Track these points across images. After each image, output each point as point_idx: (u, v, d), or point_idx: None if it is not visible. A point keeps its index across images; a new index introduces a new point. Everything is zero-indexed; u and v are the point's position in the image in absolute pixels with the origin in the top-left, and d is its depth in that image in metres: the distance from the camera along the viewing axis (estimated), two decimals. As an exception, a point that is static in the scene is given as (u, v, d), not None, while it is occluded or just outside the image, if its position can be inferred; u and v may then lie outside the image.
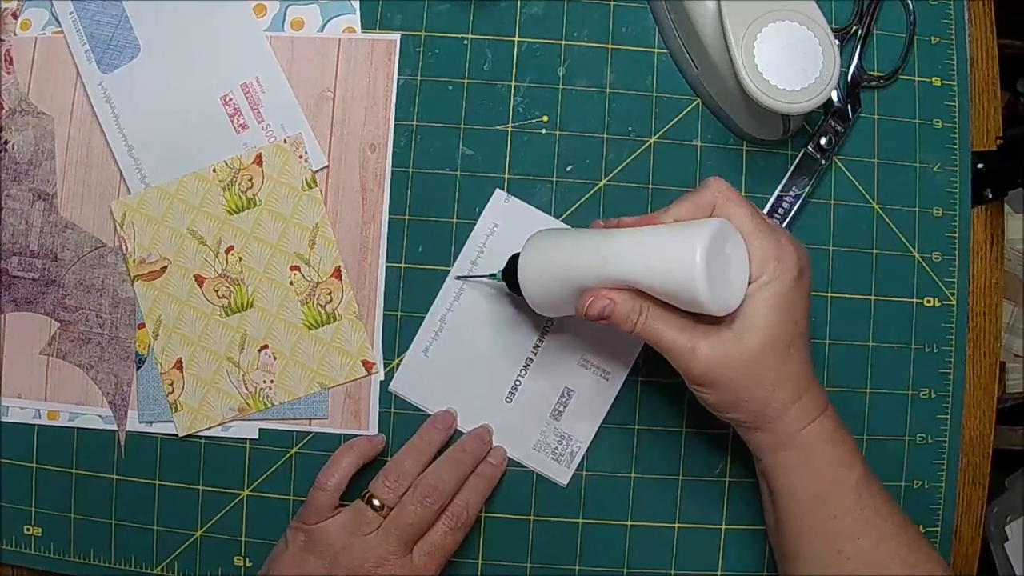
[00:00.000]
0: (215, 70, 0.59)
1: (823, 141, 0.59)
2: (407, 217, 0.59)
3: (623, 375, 0.58)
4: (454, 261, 0.59)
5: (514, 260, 0.52)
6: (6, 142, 0.59)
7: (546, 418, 0.58)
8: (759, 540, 0.58)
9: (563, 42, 0.60)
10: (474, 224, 0.59)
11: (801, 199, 0.59)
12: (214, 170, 0.59)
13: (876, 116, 0.60)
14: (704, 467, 0.59)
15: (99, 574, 0.58)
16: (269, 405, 0.58)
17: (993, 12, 0.61)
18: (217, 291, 0.58)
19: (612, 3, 0.60)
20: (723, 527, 0.58)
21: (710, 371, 0.46)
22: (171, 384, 0.58)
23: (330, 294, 0.58)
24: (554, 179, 0.59)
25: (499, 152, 0.59)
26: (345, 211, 0.59)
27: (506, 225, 0.59)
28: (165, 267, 0.58)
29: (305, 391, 0.58)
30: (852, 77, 0.59)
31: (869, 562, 0.47)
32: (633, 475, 0.58)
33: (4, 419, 0.59)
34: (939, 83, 0.60)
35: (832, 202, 0.59)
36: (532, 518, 0.58)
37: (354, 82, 0.59)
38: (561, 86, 0.59)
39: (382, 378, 0.58)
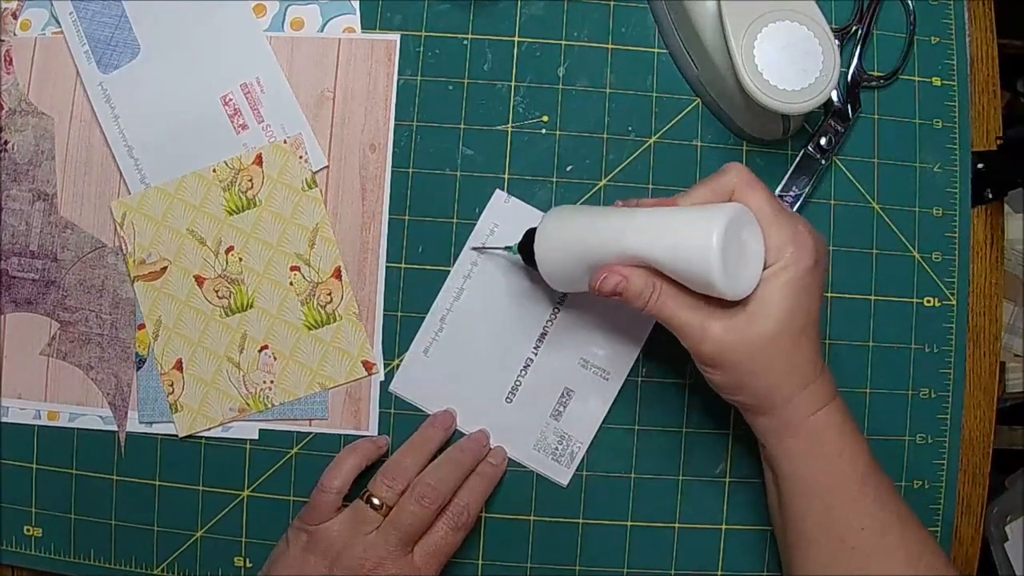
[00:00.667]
0: (215, 70, 0.59)
1: (823, 141, 0.59)
2: (407, 217, 0.59)
3: (623, 375, 0.58)
4: (454, 261, 0.59)
5: (530, 233, 0.53)
6: (6, 142, 0.59)
7: (546, 418, 0.58)
8: (759, 540, 0.58)
9: (563, 42, 0.60)
10: (474, 224, 0.59)
11: (801, 199, 0.59)
12: (214, 170, 0.59)
13: (876, 116, 0.60)
14: (704, 467, 0.59)
15: (99, 574, 0.58)
16: (269, 405, 0.58)
17: (993, 12, 0.61)
18: (217, 291, 0.58)
19: (612, 3, 0.60)
20: (723, 527, 0.58)
21: (720, 352, 0.46)
22: (171, 384, 0.58)
23: (330, 294, 0.58)
24: (554, 179, 0.59)
25: (499, 152, 0.59)
26: (345, 211, 0.59)
27: (506, 225, 0.58)
28: (165, 267, 0.58)
29: (305, 391, 0.58)
30: (852, 77, 0.59)
31: (872, 552, 0.47)
32: (633, 475, 0.58)
33: (4, 419, 0.59)
34: (939, 83, 0.60)
35: (832, 202, 0.59)
36: (532, 518, 0.58)
37: (354, 82, 0.59)
38: (561, 86, 0.59)
39: (382, 378, 0.58)
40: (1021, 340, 0.94)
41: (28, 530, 0.59)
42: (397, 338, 0.59)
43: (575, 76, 0.59)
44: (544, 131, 0.59)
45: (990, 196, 0.60)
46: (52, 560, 0.59)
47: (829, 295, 0.59)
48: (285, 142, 0.59)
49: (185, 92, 0.59)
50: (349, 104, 0.59)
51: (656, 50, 0.60)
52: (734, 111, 0.58)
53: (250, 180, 0.59)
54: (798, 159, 0.59)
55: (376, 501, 0.52)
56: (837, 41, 0.54)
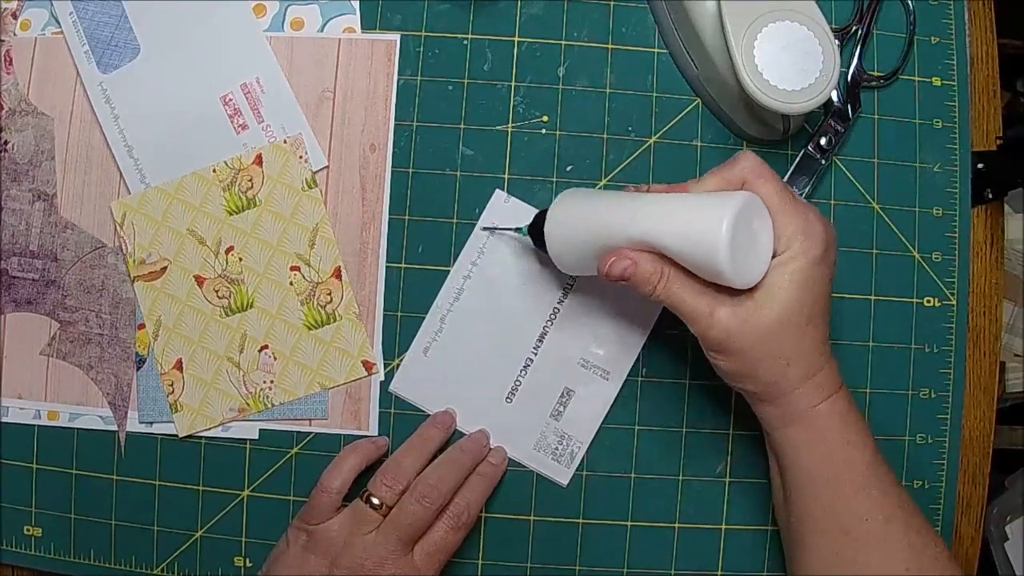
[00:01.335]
0: (215, 70, 0.59)
1: (823, 141, 0.59)
2: (407, 217, 0.59)
3: (623, 375, 0.58)
4: (454, 261, 0.59)
5: (541, 216, 0.53)
6: (6, 142, 0.59)
7: (546, 418, 0.58)
8: (759, 540, 0.58)
9: (563, 42, 0.60)
10: (474, 224, 0.59)
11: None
12: (214, 170, 0.59)
13: (876, 116, 0.60)
14: (704, 467, 0.59)
15: (99, 574, 0.58)
16: (269, 405, 0.58)
17: (993, 12, 0.61)
18: (217, 291, 0.58)
19: (612, 3, 0.60)
20: (723, 527, 0.58)
21: (727, 339, 0.47)
22: (171, 384, 0.58)
23: (330, 294, 0.58)
24: (554, 179, 0.59)
25: (499, 152, 0.59)
26: (345, 211, 0.59)
27: (506, 225, 0.58)
28: (165, 267, 0.58)
29: (305, 391, 0.58)
30: (852, 77, 0.59)
31: (875, 543, 0.47)
32: (633, 475, 0.58)
33: (4, 419, 0.59)
34: (939, 83, 0.60)
35: (832, 202, 0.59)
36: (532, 518, 0.58)
37: (354, 82, 0.59)
38: (561, 86, 0.59)
39: (382, 378, 0.58)
40: (1021, 340, 0.94)
41: (28, 530, 0.59)
42: (397, 338, 0.59)
43: (575, 76, 0.59)
44: (544, 131, 0.59)
45: (990, 196, 0.60)
46: (52, 560, 0.59)
47: (829, 295, 0.59)
48: (285, 142, 0.59)
49: (185, 92, 0.59)
50: (349, 104, 0.59)
51: (656, 50, 0.60)
52: (734, 111, 0.58)
53: (250, 180, 0.59)
54: (798, 159, 0.59)
55: (376, 501, 0.52)
56: (837, 41, 0.54)
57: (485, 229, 0.58)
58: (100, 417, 0.58)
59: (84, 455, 0.58)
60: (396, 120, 0.59)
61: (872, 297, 0.59)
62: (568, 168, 0.59)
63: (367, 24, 0.60)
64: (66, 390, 0.59)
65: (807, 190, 0.58)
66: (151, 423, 0.58)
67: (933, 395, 0.59)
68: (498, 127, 0.59)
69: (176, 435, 0.58)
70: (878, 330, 0.59)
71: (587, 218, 0.50)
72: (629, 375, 0.58)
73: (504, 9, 0.60)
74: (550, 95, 0.59)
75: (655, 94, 0.60)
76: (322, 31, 0.59)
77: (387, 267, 0.59)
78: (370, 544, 0.52)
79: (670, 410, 0.59)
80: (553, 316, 0.58)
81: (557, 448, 0.58)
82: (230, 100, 0.59)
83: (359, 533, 0.52)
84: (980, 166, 0.60)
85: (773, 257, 0.47)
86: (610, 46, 0.60)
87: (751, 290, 0.46)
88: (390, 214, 0.59)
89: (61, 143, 0.59)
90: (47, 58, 0.59)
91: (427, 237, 0.59)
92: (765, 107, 0.51)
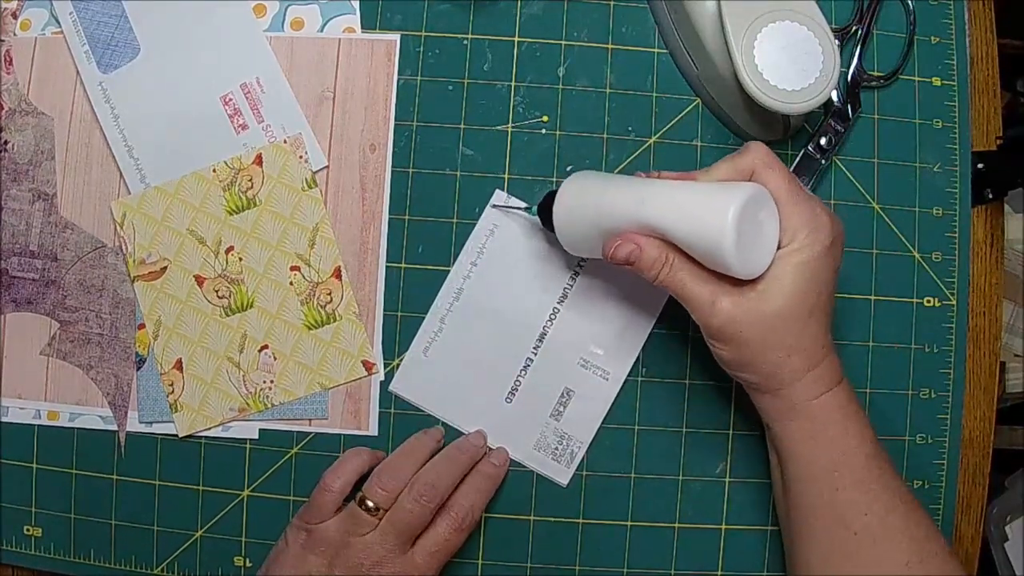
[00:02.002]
0: (215, 70, 0.59)
1: (823, 141, 0.59)
2: (407, 217, 0.59)
3: (623, 375, 0.58)
4: (454, 261, 0.59)
5: (550, 196, 0.53)
6: (6, 142, 0.59)
7: (546, 418, 0.58)
8: (759, 540, 0.58)
9: (563, 42, 0.60)
10: (474, 224, 0.59)
11: (801, 199, 0.58)
12: (214, 170, 0.59)
13: (876, 116, 0.60)
14: (704, 467, 0.59)
15: (99, 574, 0.58)
16: (269, 405, 0.58)
17: (993, 12, 0.61)
18: (217, 291, 0.58)
19: (612, 3, 0.60)
20: (723, 527, 0.58)
21: (728, 327, 0.47)
22: (171, 384, 0.58)
23: (330, 294, 0.58)
24: (554, 179, 0.59)
25: (499, 152, 0.59)
26: (345, 211, 0.59)
27: (506, 226, 0.59)
28: (165, 267, 0.58)
29: (305, 391, 0.58)
30: (852, 77, 0.59)
31: (875, 536, 0.47)
32: (633, 475, 0.58)
33: (4, 419, 0.59)
34: (939, 83, 0.60)
35: (832, 202, 0.59)
36: (532, 518, 0.58)
37: (354, 82, 0.59)
38: (561, 86, 0.59)
39: (382, 378, 0.58)
40: (1021, 340, 0.94)
41: (28, 530, 0.59)
42: (397, 338, 0.59)
43: (575, 76, 0.59)
44: (544, 131, 0.59)
45: (990, 196, 0.60)
46: (52, 560, 0.59)
47: (829, 295, 0.59)
48: (285, 142, 0.59)
49: (185, 92, 0.59)
50: (349, 104, 0.59)
51: (656, 50, 0.60)
52: (734, 111, 0.58)
53: (250, 180, 0.59)
54: (798, 159, 0.59)
55: (370, 504, 0.52)
56: (837, 41, 0.54)
57: (495, 207, 0.58)
58: (100, 417, 0.58)
59: (84, 455, 0.58)
60: (396, 120, 0.59)
61: (872, 297, 0.59)
62: (568, 168, 0.59)
63: (367, 24, 0.60)
64: (66, 390, 0.59)
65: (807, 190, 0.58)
66: (151, 423, 0.58)
67: (933, 395, 0.59)
68: (498, 127, 0.59)
69: (176, 435, 0.58)
70: (878, 330, 0.59)
71: (595, 200, 0.50)
72: (629, 375, 0.58)
73: (504, 9, 0.60)
74: (550, 95, 0.59)
75: (655, 94, 0.60)
76: (322, 31, 0.59)
77: (387, 267, 0.59)
78: (368, 543, 0.52)
79: (670, 410, 0.59)
80: (553, 316, 0.58)
81: (557, 448, 0.58)
82: (230, 100, 0.59)
83: (356, 534, 0.52)
84: (980, 166, 0.60)
85: (778, 248, 0.47)
86: (610, 46, 0.60)
87: (755, 280, 0.46)
88: (390, 214, 0.59)
89: (61, 143, 0.59)
90: (47, 58, 0.59)
91: (427, 237, 0.59)
92: (765, 107, 0.51)
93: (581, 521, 0.58)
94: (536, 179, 0.59)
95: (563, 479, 0.58)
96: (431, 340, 0.58)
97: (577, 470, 0.58)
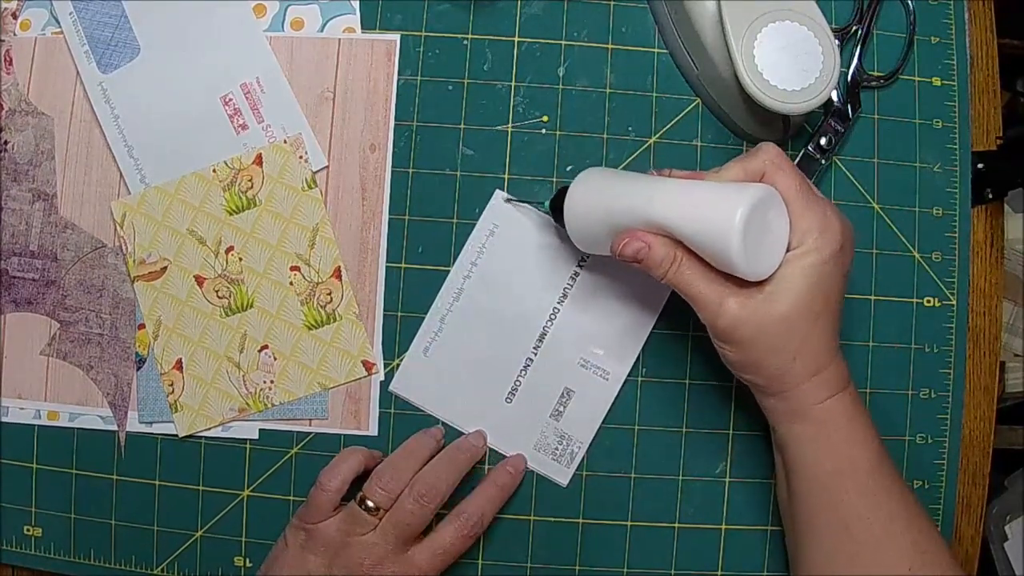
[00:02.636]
0: (215, 70, 0.59)
1: (823, 141, 0.59)
2: (407, 217, 0.59)
3: (623, 375, 0.58)
4: (454, 261, 0.59)
5: (562, 192, 0.53)
6: (6, 142, 0.59)
7: (546, 418, 0.58)
8: (759, 540, 0.58)
9: (563, 42, 0.60)
10: (474, 224, 0.59)
11: (801, 199, 0.58)
12: (214, 170, 0.59)
13: (876, 116, 0.60)
14: (704, 467, 0.59)
15: (99, 574, 0.58)
16: (269, 405, 0.58)
17: (993, 12, 0.61)
18: (217, 291, 0.58)
19: (612, 3, 0.60)
20: (723, 527, 0.58)
21: (735, 328, 0.46)
22: (171, 384, 0.58)
23: (330, 294, 0.58)
24: (554, 179, 0.59)
25: (499, 152, 0.59)
26: (345, 211, 0.59)
27: (506, 225, 0.59)
28: (165, 267, 0.58)
29: (305, 391, 0.58)
30: (852, 77, 0.59)
31: (877, 542, 0.47)
32: (633, 475, 0.58)
33: (4, 419, 0.59)
34: (939, 83, 0.60)
35: (832, 202, 0.59)
36: (532, 518, 0.58)
37: (354, 82, 0.59)
38: (561, 86, 0.59)
39: (382, 378, 0.58)
40: (1021, 340, 0.94)
41: (28, 530, 0.59)
42: (397, 338, 0.59)
43: (575, 76, 0.59)
44: (544, 131, 0.59)
45: (990, 196, 0.60)
46: (52, 560, 0.59)
47: (829, 295, 0.59)
48: (285, 142, 0.59)
49: (185, 92, 0.59)
50: (349, 104, 0.59)
51: (656, 50, 0.60)
52: (734, 111, 0.58)
53: (250, 180, 0.59)
54: (798, 159, 0.59)
55: (371, 504, 0.52)
56: (837, 41, 0.54)
57: (507, 201, 0.58)
58: (100, 417, 0.58)
59: (84, 455, 0.58)
60: (396, 120, 0.59)
61: (872, 297, 0.59)
62: (568, 168, 0.59)
63: (367, 24, 0.60)
64: (66, 390, 0.59)
65: (807, 190, 0.58)
66: (151, 423, 0.58)
67: (933, 395, 0.59)
68: (498, 127, 0.59)
69: (176, 435, 0.58)
70: (878, 330, 0.59)
71: (606, 197, 0.50)
72: (629, 375, 0.58)
73: (504, 9, 0.60)
74: (550, 95, 0.59)
75: (655, 94, 0.60)
76: (322, 31, 0.59)
77: (387, 267, 0.59)
78: (368, 543, 0.52)
79: (670, 410, 0.59)
80: (553, 316, 0.58)
81: (557, 448, 0.58)
82: (230, 100, 0.59)
83: (356, 534, 0.52)
84: (980, 166, 0.60)
85: (788, 251, 0.46)
86: (610, 46, 0.60)
87: (762, 282, 0.46)
88: (390, 214, 0.59)
89: (61, 143, 0.59)
90: (47, 58, 0.59)
91: (427, 237, 0.59)
92: (765, 107, 0.51)
93: (581, 521, 0.58)
94: (536, 179, 0.59)
95: (563, 479, 0.58)
96: (431, 340, 0.58)
97: (577, 470, 0.58)
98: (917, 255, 0.59)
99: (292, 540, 0.53)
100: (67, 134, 0.59)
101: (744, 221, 0.44)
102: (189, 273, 0.58)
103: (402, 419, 0.58)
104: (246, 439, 0.58)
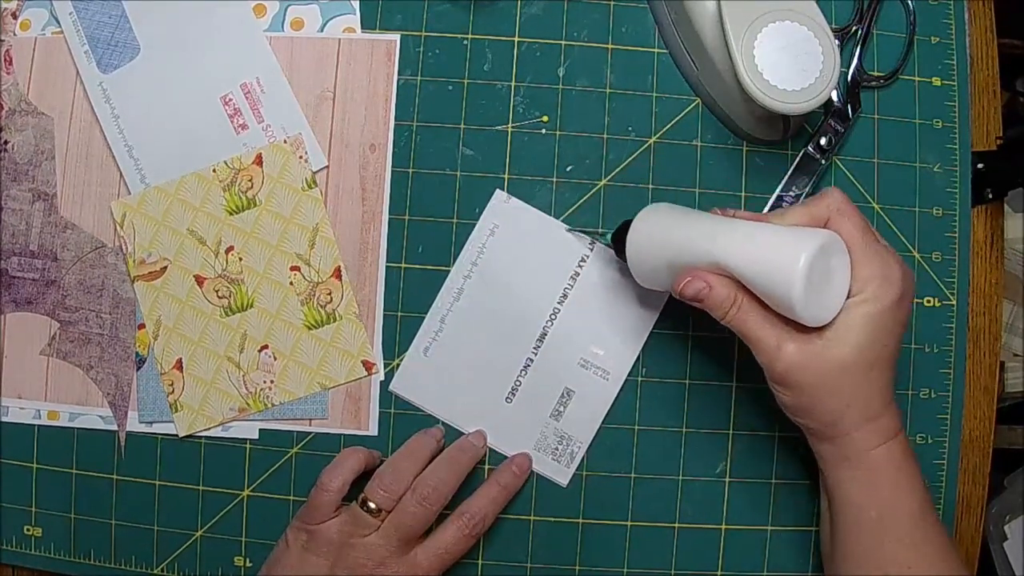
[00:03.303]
0: (215, 70, 0.59)
1: (823, 141, 0.59)
2: (407, 217, 0.59)
3: (623, 375, 0.58)
4: (454, 261, 0.59)
5: (625, 225, 0.53)
6: (6, 142, 0.59)
7: (546, 418, 0.58)
8: (759, 540, 0.58)
9: (563, 42, 0.60)
10: (474, 224, 0.59)
11: (801, 199, 0.59)
12: (214, 170, 0.59)
13: (876, 116, 0.60)
14: (704, 467, 0.59)
15: (99, 574, 0.58)
16: (269, 405, 0.58)
17: (993, 12, 0.61)
18: (217, 291, 0.58)
19: (612, 3, 0.60)
20: (723, 527, 0.58)
21: (792, 373, 0.46)
22: (171, 384, 0.58)
23: (330, 294, 0.58)
24: (554, 179, 0.59)
25: (499, 152, 0.59)
26: (345, 211, 0.59)
27: (506, 225, 0.59)
28: (165, 267, 0.58)
29: (305, 391, 0.58)
30: (852, 77, 0.59)
31: None
32: (633, 475, 0.58)
33: (4, 419, 0.59)
34: (939, 83, 0.60)
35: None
36: (532, 518, 0.58)
37: (354, 82, 0.59)
38: (561, 86, 0.59)
39: (382, 378, 0.58)
40: (1021, 340, 0.94)
41: (28, 530, 0.59)
42: (397, 338, 0.59)
43: (575, 76, 0.59)
44: (544, 131, 0.59)
45: (990, 196, 0.60)
46: (52, 560, 0.59)
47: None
48: (285, 142, 0.59)
49: (185, 92, 0.59)
50: (349, 104, 0.59)
51: (656, 50, 0.60)
52: (734, 111, 0.58)
53: (250, 180, 0.59)
54: (798, 159, 0.59)
55: (372, 506, 0.53)
56: (837, 41, 0.54)
57: (569, 231, 0.58)
58: (100, 417, 0.58)
59: (84, 455, 0.58)
60: (396, 120, 0.59)
61: (872, 297, 0.59)
62: (568, 168, 0.59)
63: (367, 24, 0.59)
64: (66, 390, 0.59)
65: (807, 190, 0.58)
66: (151, 423, 0.58)
67: (933, 395, 0.59)
68: (498, 127, 0.59)
69: (176, 435, 0.58)
70: (878, 330, 0.59)
71: (669, 235, 0.50)
72: (629, 375, 0.58)
73: (504, 9, 0.60)
74: (550, 95, 0.59)
75: (655, 94, 0.60)
76: (322, 31, 0.59)
77: (387, 267, 0.59)
78: (371, 544, 0.52)
79: (670, 410, 0.59)
80: (553, 316, 0.58)
81: (557, 448, 0.58)
82: (230, 100, 0.59)
83: (358, 535, 0.52)
84: (980, 166, 0.60)
85: (848, 297, 0.46)
86: (610, 46, 0.60)
87: (821, 328, 0.46)
88: (390, 214, 0.59)
89: (61, 143, 0.59)
90: (47, 58, 0.59)
91: (427, 237, 0.59)
92: (765, 107, 0.51)
93: (581, 521, 0.58)
94: (536, 179, 0.59)
95: (563, 479, 0.58)
96: (431, 340, 0.58)
97: (577, 470, 0.58)
98: (917, 255, 0.59)
99: (294, 541, 0.53)
100: (67, 134, 0.59)
101: (808, 267, 0.44)
102: (189, 273, 0.58)
103: (402, 419, 0.58)
104: (246, 439, 0.58)
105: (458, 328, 0.58)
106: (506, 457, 0.58)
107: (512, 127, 0.59)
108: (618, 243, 0.54)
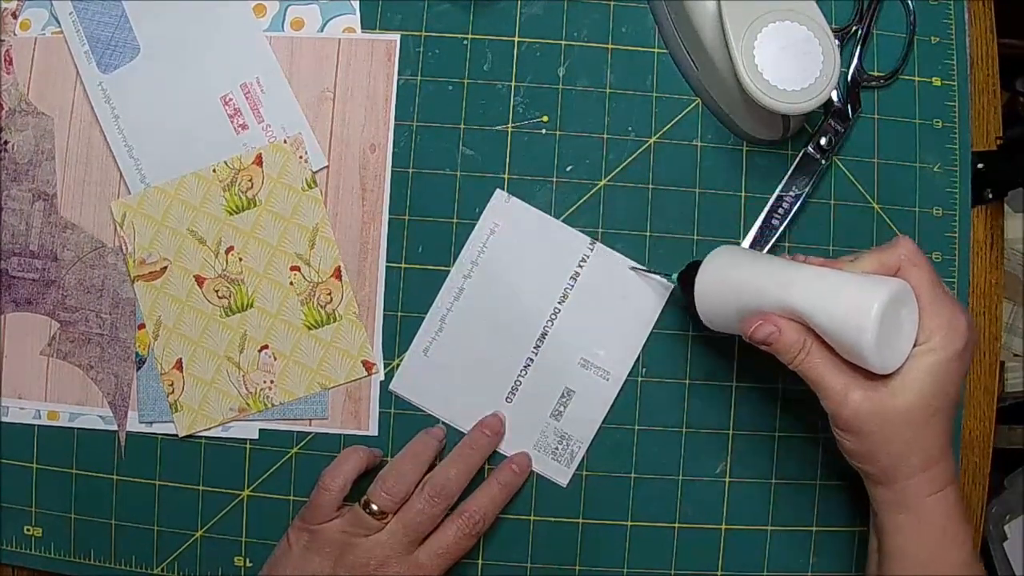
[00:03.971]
0: (215, 70, 0.59)
1: (823, 141, 0.59)
2: (407, 217, 0.59)
3: (623, 375, 0.58)
4: (454, 261, 0.59)
5: (693, 266, 0.53)
6: (6, 142, 0.59)
7: (546, 418, 0.58)
8: (759, 540, 0.58)
9: (563, 42, 0.60)
10: (474, 224, 0.59)
11: (801, 199, 0.58)
12: (214, 170, 0.59)
13: (876, 116, 0.60)
14: (704, 467, 0.59)
15: (99, 574, 0.58)
16: (269, 405, 0.58)
17: (993, 12, 0.61)
18: (217, 291, 0.58)
19: (612, 3, 0.60)
20: (723, 527, 0.58)
21: (856, 419, 0.47)
22: (171, 384, 0.58)
23: (330, 294, 0.58)
24: (554, 179, 0.59)
25: (499, 152, 0.59)
26: (345, 211, 0.59)
27: (506, 225, 0.59)
28: (165, 267, 0.58)
29: (305, 391, 0.58)
30: (852, 77, 0.59)
31: None
32: (633, 475, 0.58)
33: (4, 419, 0.59)
34: (939, 83, 0.60)
35: (832, 202, 0.59)
36: (532, 518, 0.58)
37: (354, 82, 0.59)
38: (561, 86, 0.59)
39: (382, 378, 0.58)
40: (1021, 340, 0.94)
41: (28, 530, 0.59)
42: (397, 338, 0.59)
43: (575, 76, 0.59)
44: (544, 131, 0.59)
45: (990, 196, 0.60)
46: (52, 560, 0.59)
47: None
48: (285, 142, 0.59)
49: (185, 92, 0.59)
50: (349, 104, 0.59)
51: (656, 50, 0.60)
52: (734, 111, 0.58)
53: (250, 180, 0.59)
54: (798, 159, 0.59)
55: (375, 508, 0.53)
56: (837, 41, 0.54)
57: (633, 269, 0.58)
58: (100, 417, 0.58)
59: (84, 455, 0.58)
60: (396, 120, 0.59)
61: (872, 297, 0.59)
62: (568, 168, 0.59)
63: (367, 24, 0.60)
64: (66, 390, 0.59)
65: (807, 190, 0.58)
66: (151, 423, 0.58)
67: (933, 395, 0.59)
68: (498, 127, 0.59)
69: (176, 435, 0.58)
70: (878, 330, 0.59)
71: (739, 278, 0.50)
72: (629, 375, 0.58)
73: (504, 9, 0.60)
74: (550, 95, 0.59)
75: (655, 94, 0.60)
76: (322, 31, 0.59)
77: (387, 267, 0.59)
78: (375, 544, 0.52)
79: (670, 410, 0.59)
80: (554, 316, 0.58)
81: (557, 448, 0.58)
82: (230, 100, 0.59)
83: (360, 535, 0.52)
84: (980, 166, 0.60)
85: (914, 346, 0.47)
86: (610, 46, 0.60)
87: (887, 376, 0.46)
88: (390, 214, 0.59)
89: (61, 143, 0.59)
90: (47, 58, 0.59)
91: (427, 237, 0.59)
92: (765, 107, 0.51)
93: (581, 521, 0.58)
94: (536, 179, 0.59)
95: (563, 479, 0.58)
96: (431, 340, 0.58)
97: (577, 470, 0.58)
98: (917, 255, 0.59)
99: (295, 541, 0.53)
100: (67, 134, 0.59)
101: (879, 315, 0.44)
102: (189, 273, 0.58)
103: (402, 419, 0.58)
104: (246, 439, 0.58)
105: (458, 328, 0.58)
106: (506, 456, 0.58)
107: (512, 127, 0.59)
108: (685, 283, 0.53)
